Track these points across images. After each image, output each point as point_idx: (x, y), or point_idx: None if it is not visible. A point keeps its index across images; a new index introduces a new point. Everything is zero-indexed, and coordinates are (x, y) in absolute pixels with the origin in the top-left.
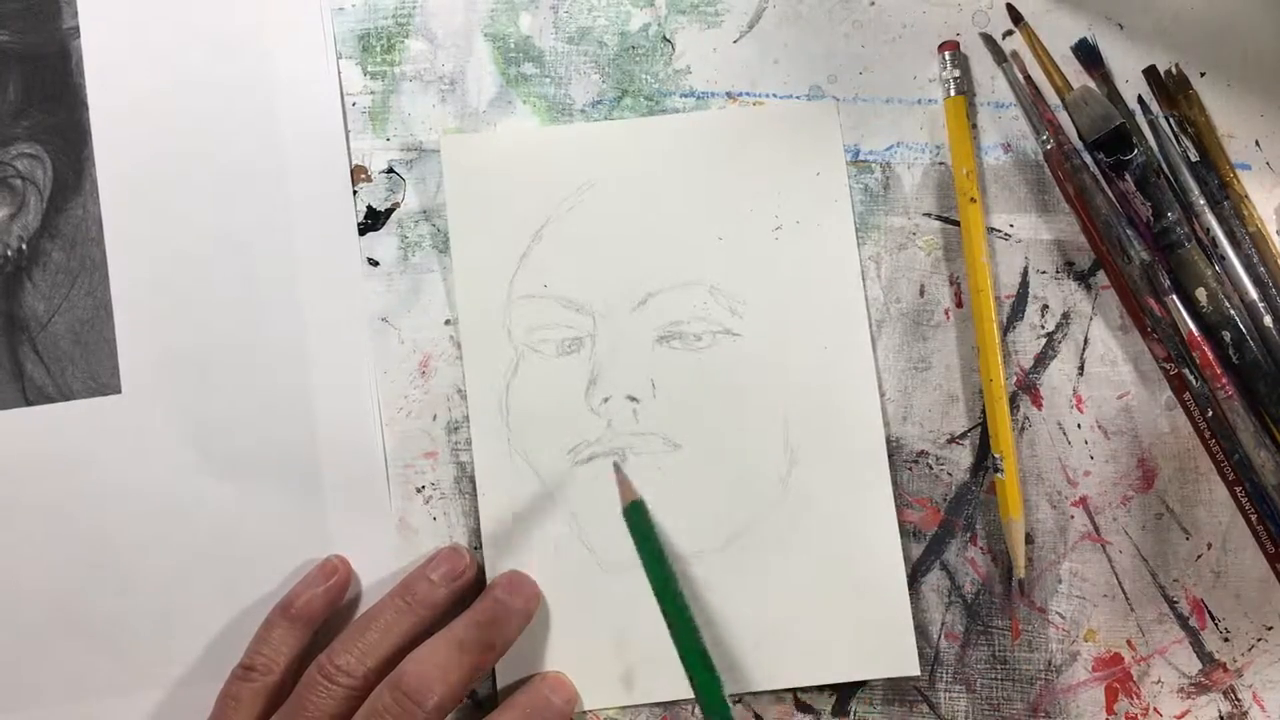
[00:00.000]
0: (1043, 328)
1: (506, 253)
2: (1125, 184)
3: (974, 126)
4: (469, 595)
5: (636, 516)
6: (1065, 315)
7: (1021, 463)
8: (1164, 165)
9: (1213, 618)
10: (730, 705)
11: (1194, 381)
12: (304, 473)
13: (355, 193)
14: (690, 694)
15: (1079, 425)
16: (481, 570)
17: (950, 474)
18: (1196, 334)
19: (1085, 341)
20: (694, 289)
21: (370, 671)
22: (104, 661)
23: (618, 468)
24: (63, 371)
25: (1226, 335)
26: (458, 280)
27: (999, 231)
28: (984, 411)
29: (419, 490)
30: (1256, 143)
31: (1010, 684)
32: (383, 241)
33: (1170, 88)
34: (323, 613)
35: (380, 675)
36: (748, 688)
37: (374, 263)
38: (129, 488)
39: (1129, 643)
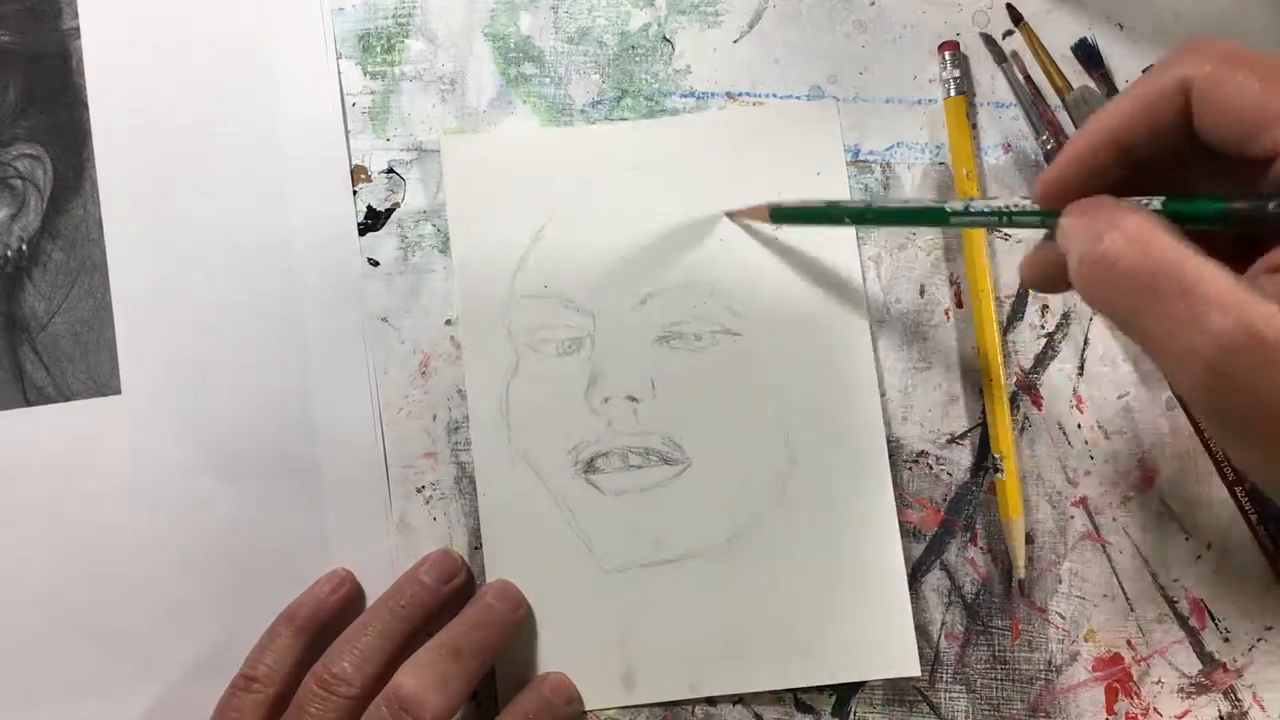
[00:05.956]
0: (1043, 328)
1: (506, 253)
2: None
3: (974, 126)
4: (459, 602)
5: (780, 214)
6: (1065, 315)
7: (1021, 463)
8: None
9: (1213, 618)
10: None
11: None
12: (304, 473)
13: (355, 193)
14: (690, 695)
15: (1079, 425)
16: (472, 576)
17: (950, 474)
18: None
19: (1085, 341)
20: (694, 289)
21: (369, 679)
22: (104, 661)
23: (730, 215)
24: (63, 372)
25: None
26: (458, 280)
27: (999, 232)
28: (984, 411)
29: (419, 490)
30: None
31: (1010, 684)
32: (383, 241)
33: None
34: (329, 625)
35: (378, 681)
36: (747, 688)
37: (374, 263)
38: (129, 488)
39: (1129, 643)
